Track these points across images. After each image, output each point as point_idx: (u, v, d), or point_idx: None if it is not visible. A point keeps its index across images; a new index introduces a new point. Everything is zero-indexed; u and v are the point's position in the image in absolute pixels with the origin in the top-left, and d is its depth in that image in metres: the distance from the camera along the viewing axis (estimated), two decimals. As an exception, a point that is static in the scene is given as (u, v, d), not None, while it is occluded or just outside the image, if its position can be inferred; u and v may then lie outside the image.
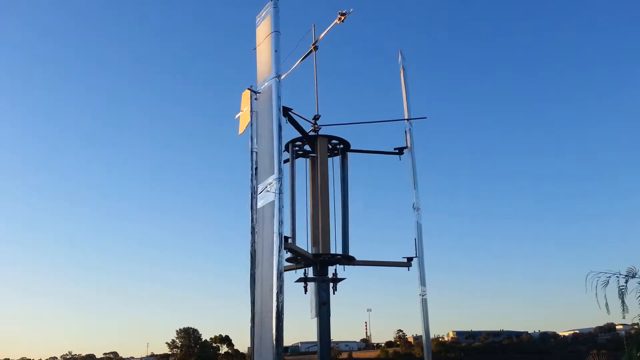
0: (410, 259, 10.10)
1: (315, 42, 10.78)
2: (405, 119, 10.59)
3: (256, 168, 11.19)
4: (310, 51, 10.66)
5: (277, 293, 7.23)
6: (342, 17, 10.53)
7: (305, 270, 9.56)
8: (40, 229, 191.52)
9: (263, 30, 8.81)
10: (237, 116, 10.23)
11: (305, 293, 9.44)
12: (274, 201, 7.73)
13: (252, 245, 10.93)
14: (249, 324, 10.85)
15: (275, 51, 8.42)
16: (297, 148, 10.31)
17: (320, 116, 10.25)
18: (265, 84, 8.46)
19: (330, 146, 10.21)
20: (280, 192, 7.73)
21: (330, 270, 9.53)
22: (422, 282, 9.91)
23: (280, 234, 7.53)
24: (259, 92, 8.63)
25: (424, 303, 10.04)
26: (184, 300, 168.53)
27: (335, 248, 9.70)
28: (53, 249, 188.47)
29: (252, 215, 11.05)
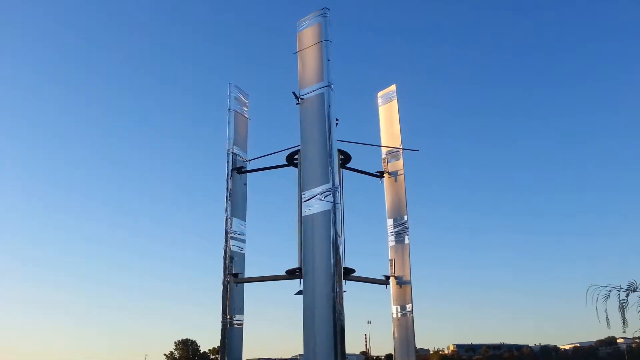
0: (387, 277, 10.63)
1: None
2: (399, 148, 11.17)
3: (234, 166, 10.77)
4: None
5: (337, 304, 7.18)
6: None
7: (300, 281, 9.42)
8: (38, 240, 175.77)
9: (309, 36, 8.70)
10: None
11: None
12: (328, 211, 7.62)
13: (225, 251, 10.45)
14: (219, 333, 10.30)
15: (328, 60, 8.39)
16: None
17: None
18: (314, 91, 8.38)
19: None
20: (336, 202, 7.68)
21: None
22: (407, 301, 10.41)
23: (337, 246, 7.48)
24: (303, 98, 8.50)
25: (397, 323, 10.53)
26: (182, 312, 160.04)
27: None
28: (51, 260, 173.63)
29: (226, 220, 10.59)
